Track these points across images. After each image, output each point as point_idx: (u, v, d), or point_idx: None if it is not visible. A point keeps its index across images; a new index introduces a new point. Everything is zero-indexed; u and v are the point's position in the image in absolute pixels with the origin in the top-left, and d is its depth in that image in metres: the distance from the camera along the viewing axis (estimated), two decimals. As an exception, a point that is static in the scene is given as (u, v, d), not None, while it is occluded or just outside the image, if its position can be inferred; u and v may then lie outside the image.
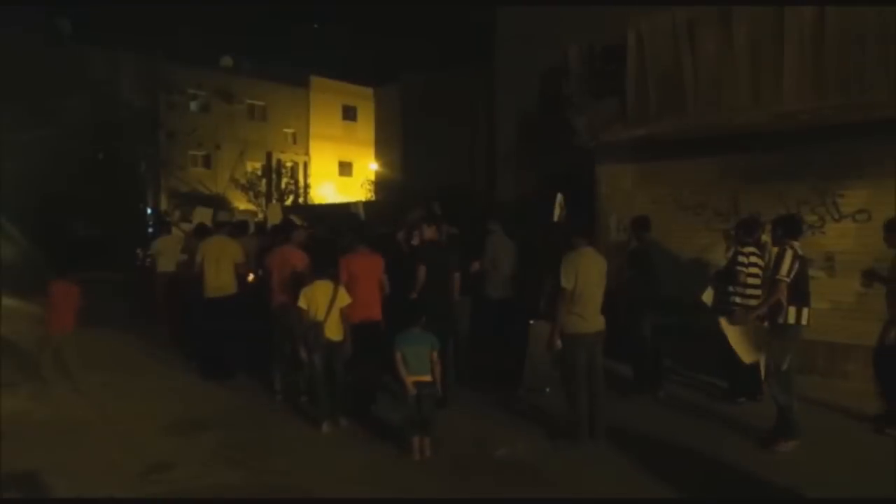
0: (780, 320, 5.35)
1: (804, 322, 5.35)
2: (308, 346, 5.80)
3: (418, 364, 5.24)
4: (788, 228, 5.53)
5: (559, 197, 8.32)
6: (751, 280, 6.11)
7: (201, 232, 8.96)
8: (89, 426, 6.00)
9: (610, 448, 5.34)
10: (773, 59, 7.41)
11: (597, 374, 5.55)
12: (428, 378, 5.25)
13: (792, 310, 5.32)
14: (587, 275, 5.36)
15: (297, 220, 10.22)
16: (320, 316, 5.75)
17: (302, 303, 5.78)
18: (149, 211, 26.79)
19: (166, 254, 10.67)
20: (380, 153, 27.49)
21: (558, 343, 5.41)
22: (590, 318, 5.41)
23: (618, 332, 6.08)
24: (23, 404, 6.55)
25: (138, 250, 16.47)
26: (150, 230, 20.58)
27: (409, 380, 5.20)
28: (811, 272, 6.14)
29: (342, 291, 5.86)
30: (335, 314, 5.80)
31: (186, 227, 12.37)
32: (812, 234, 7.37)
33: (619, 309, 6.35)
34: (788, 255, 5.29)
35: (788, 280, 5.25)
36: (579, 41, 9.75)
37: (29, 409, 6.41)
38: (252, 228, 11.37)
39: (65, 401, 6.76)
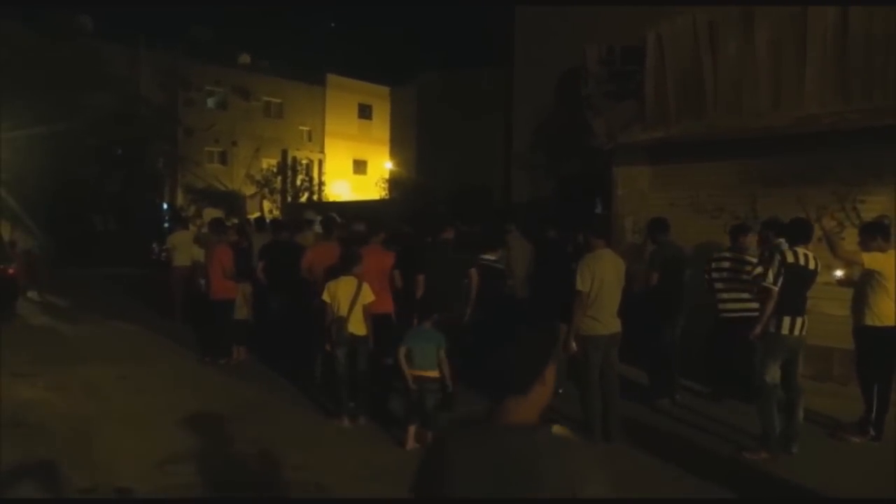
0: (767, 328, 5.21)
1: (786, 332, 5.12)
2: (331, 341, 5.86)
3: (423, 360, 5.30)
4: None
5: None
6: (719, 285, 6.38)
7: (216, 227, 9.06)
8: (105, 417, 6.04)
9: (621, 450, 5.29)
10: (794, 62, 7.33)
11: (611, 375, 5.54)
12: (432, 374, 5.29)
13: (776, 318, 5.14)
14: (603, 277, 5.33)
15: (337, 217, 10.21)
16: (343, 311, 5.80)
17: (325, 297, 5.87)
18: (164, 206, 26.97)
19: (181, 249, 10.78)
20: (395, 152, 27.56)
21: (573, 346, 5.39)
22: (605, 320, 5.38)
23: (636, 334, 6.05)
24: (40, 394, 6.63)
25: (154, 245, 16.61)
26: (166, 225, 20.72)
27: (410, 373, 5.25)
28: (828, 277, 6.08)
29: (366, 288, 5.90)
30: (358, 310, 5.85)
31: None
32: (832, 240, 7.29)
33: (641, 312, 6.30)
34: (776, 261, 5.10)
35: (776, 287, 5.05)
36: (599, 42, 9.70)
37: (46, 399, 6.48)
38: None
39: (82, 392, 6.83)
